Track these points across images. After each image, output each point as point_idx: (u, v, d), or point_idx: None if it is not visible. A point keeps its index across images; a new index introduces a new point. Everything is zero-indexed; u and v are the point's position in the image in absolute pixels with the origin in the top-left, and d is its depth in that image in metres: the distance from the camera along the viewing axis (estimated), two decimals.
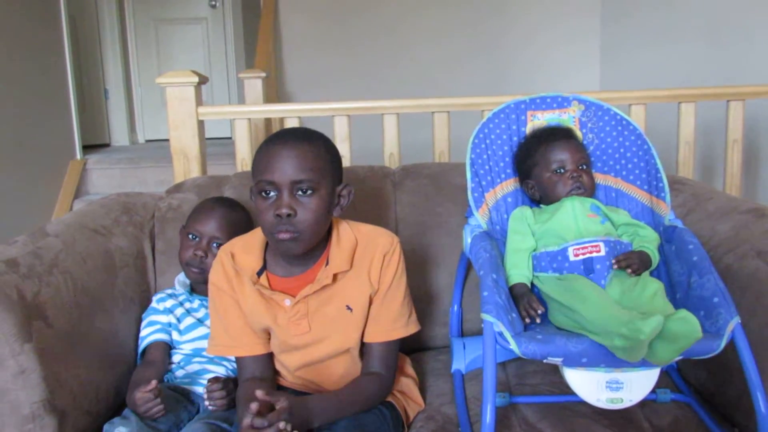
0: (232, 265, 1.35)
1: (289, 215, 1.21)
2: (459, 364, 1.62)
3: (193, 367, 1.52)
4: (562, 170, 1.49)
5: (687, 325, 1.10)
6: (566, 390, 1.31)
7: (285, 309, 1.32)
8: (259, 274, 1.34)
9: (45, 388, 1.22)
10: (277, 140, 1.27)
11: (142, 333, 1.57)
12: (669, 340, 1.10)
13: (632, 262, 1.34)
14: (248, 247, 1.36)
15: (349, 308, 1.34)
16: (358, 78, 4.70)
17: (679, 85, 3.08)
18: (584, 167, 1.51)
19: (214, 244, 1.55)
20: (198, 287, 1.62)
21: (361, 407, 1.31)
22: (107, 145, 5.40)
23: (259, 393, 1.15)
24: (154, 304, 1.60)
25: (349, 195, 1.34)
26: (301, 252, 1.27)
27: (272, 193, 1.23)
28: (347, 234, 1.36)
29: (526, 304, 1.31)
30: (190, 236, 1.59)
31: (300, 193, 1.23)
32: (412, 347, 1.71)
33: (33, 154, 3.78)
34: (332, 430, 1.25)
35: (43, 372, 1.22)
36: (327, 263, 1.33)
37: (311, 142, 1.27)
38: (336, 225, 1.37)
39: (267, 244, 1.36)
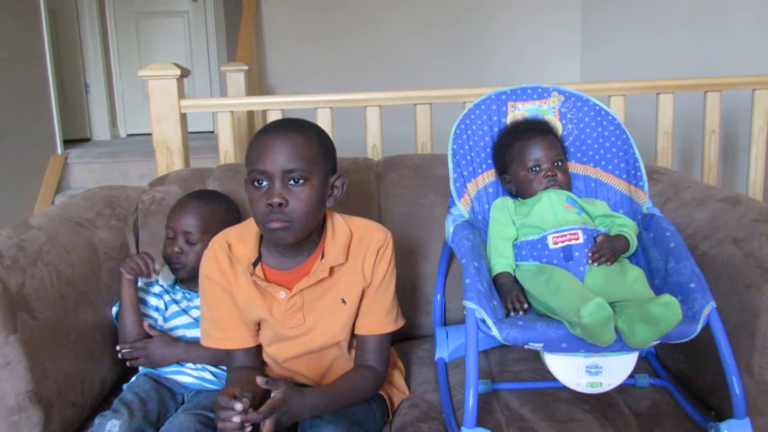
0: (227, 255, 1.34)
1: (280, 204, 1.22)
2: (442, 352, 1.64)
3: None
4: (537, 168, 1.51)
5: (668, 309, 1.13)
6: (548, 376, 1.33)
7: (280, 301, 1.33)
8: (254, 265, 1.34)
9: (30, 380, 1.22)
10: (269, 130, 1.28)
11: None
12: (650, 323, 1.13)
13: (603, 253, 1.36)
14: (243, 238, 1.36)
15: (343, 301, 1.35)
16: (341, 70, 4.71)
17: (659, 75, 3.12)
18: (559, 164, 1.53)
19: (188, 241, 1.55)
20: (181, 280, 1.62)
21: (356, 401, 1.32)
22: (88, 140, 5.36)
23: (259, 380, 1.14)
24: (142, 286, 1.59)
25: (342, 186, 1.34)
26: (292, 241, 1.28)
27: (264, 183, 1.24)
28: (342, 227, 1.37)
29: (514, 297, 1.34)
30: (168, 234, 1.58)
31: (292, 182, 1.24)
32: (396, 337, 1.72)
33: (13, 149, 3.75)
34: (321, 419, 1.26)
35: (29, 363, 1.22)
36: (322, 256, 1.34)
37: (303, 131, 1.28)
38: (330, 218, 1.38)
39: (261, 235, 1.36)
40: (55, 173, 4.13)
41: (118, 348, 1.49)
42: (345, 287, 1.35)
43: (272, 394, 1.15)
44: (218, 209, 1.60)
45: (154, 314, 1.57)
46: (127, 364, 1.50)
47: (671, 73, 3.32)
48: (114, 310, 1.57)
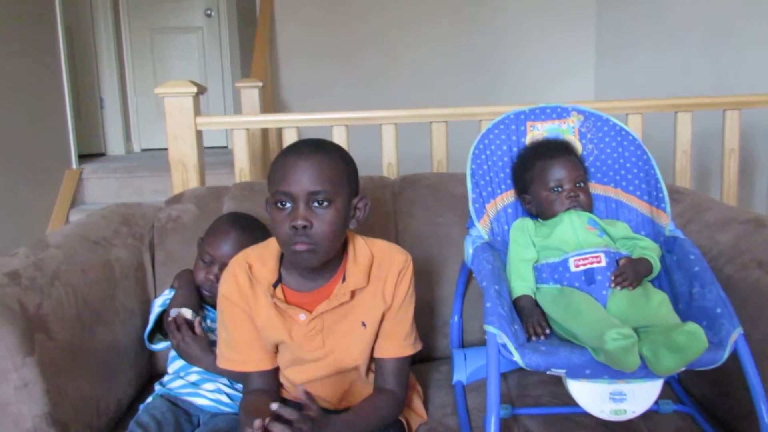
0: (247, 276, 1.32)
1: (305, 227, 1.20)
2: (460, 375, 1.62)
3: (193, 377, 1.51)
4: (560, 189, 1.49)
5: (693, 338, 1.11)
6: (569, 401, 1.30)
7: (300, 324, 1.31)
8: (275, 286, 1.32)
9: (47, 402, 1.21)
10: (293, 151, 1.26)
11: (158, 302, 1.58)
12: (674, 351, 1.11)
13: (626, 277, 1.34)
14: (263, 259, 1.34)
15: (363, 324, 1.33)
16: (354, 87, 4.71)
17: (674, 93, 3.10)
18: (581, 185, 1.51)
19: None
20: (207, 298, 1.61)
21: (378, 427, 1.30)
22: (103, 155, 5.38)
23: (274, 405, 1.06)
24: (159, 304, 1.58)
25: (365, 207, 1.33)
26: (317, 264, 1.26)
27: (288, 205, 1.22)
28: (363, 249, 1.36)
29: (535, 322, 1.32)
30: (204, 258, 1.56)
31: (316, 204, 1.22)
32: (413, 359, 1.70)
33: (29, 164, 3.77)
34: None
35: (46, 385, 1.21)
36: (344, 279, 1.33)
37: (328, 153, 1.26)
38: (351, 240, 1.37)
39: (281, 256, 1.35)
40: (70, 188, 4.14)
41: (172, 316, 1.48)
42: (365, 310, 1.34)
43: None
44: (258, 238, 1.53)
45: None
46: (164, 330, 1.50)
47: (687, 90, 3.30)
48: (158, 301, 1.57)
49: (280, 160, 1.26)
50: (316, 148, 1.26)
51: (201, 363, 1.47)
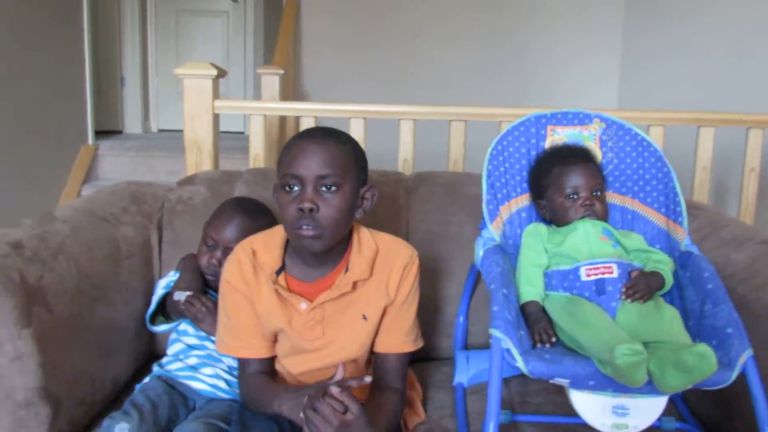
0: (251, 262, 1.32)
1: (311, 210, 1.20)
2: (461, 377, 1.60)
3: (192, 361, 1.49)
4: (576, 196, 1.47)
5: (703, 360, 1.08)
6: (570, 411, 1.28)
7: (300, 312, 1.30)
8: (278, 273, 1.32)
9: (41, 375, 1.20)
10: (304, 136, 1.26)
11: (162, 283, 1.57)
12: (682, 370, 1.08)
13: (638, 289, 1.31)
14: (268, 246, 1.34)
15: (364, 317, 1.32)
16: (376, 81, 4.69)
17: (697, 107, 3.06)
18: (598, 193, 1.48)
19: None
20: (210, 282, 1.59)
21: (389, 427, 1.29)
22: (120, 132, 5.39)
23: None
24: (163, 285, 1.57)
25: (372, 197, 1.33)
26: (321, 249, 1.25)
27: (296, 188, 1.22)
28: (368, 241, 1.34)
29: (541, 329, 1.30)
30: (207, 242, 1.55)
31: (324, 188, 1.22)
32: (414, 357, 1.68)
33: (45, 137, 3.78)
34: None
35: (41, 359, 1.20)
36: (346, 270, 1.32)
37: (338, 139, 1.27)
38: (356, 231, 1.36)
39: (286, 244, 1.34)
40: (85, 163, 4.15)
41: (177, 297, 1.47)
42: (367, 303, 1.32)
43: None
44: (264, 226, 1.51)
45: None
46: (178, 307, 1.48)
47: (710, 105, 3.25)
48: (162, 283, 1.56)
49: (290, 144, 1.26)
50: (327, 134, 1.26)
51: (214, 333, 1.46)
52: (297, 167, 1.21)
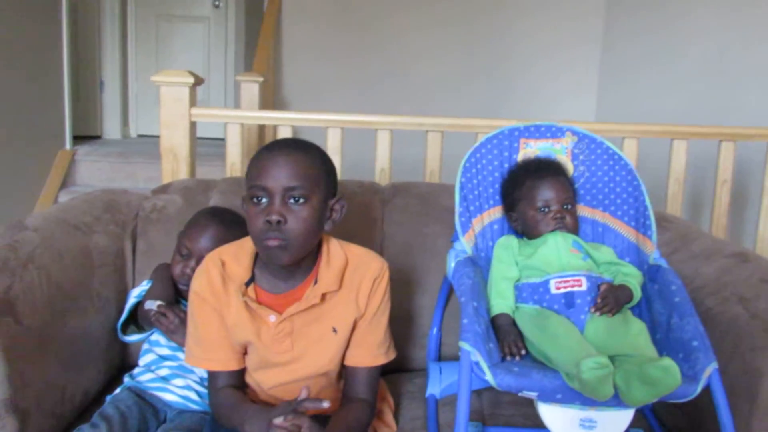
0: (220, 273, 1.31)
1: (279, 222, 1.20)
2: (434, 388, 1.61)
3: (163, 372, 1.49)
4: (547, 209, 1.48)
5: (667, 374, 1.10)
6: (540, 423, 1.29)
7: (269, 325, 1.30)
8: (247, 285, 1.31)
9: (8, 387, 1.19)
10: (272, 148, 1.27)
11: (135, 293, 1.56)
12: (647, 384, 1.10)
13: (607, 303, 1.33)
14: (237, 257, 1.33)
15: (334, 330, 1.32)
16: (355, 90, 4.70)
17: (673, 120, 3.10)
18: (569, 207, 1.50)
19: None
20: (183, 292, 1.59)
21: None
22: (98, 137, 5.35)
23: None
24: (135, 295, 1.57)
25: (341, 209, 1.32)
26: (288, 261, 1.25)
27: (264, 200, 1.22)
28: (337, 253, 1.34)
29: (511, 342, 1.31)
30: (182, 251, 1.54)
31: (292, 201, 1.22)
32: (387, 368, 1.69)
33: (22, 141, 3.74)
34: None
35: (8, 370, 1.19)
36: (315, 282, 1.31)
37: (307, 151, 1.27)
38: (326, 243, 1.35)
39: (256, 256, 1.34)
40: (62, 169, 4.11)
41: (146, 308, 1.46)
42: (337, 316, 1.32)
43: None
44: (239, 235, 1.48)
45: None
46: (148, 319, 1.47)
47: (686, 118, 3.30)
48: (134, 292, 1.55)
49: (258, 156, 1.26)
50: (295, 146, 1.27)
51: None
52: (265, 179, 1.21)
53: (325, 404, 1.14)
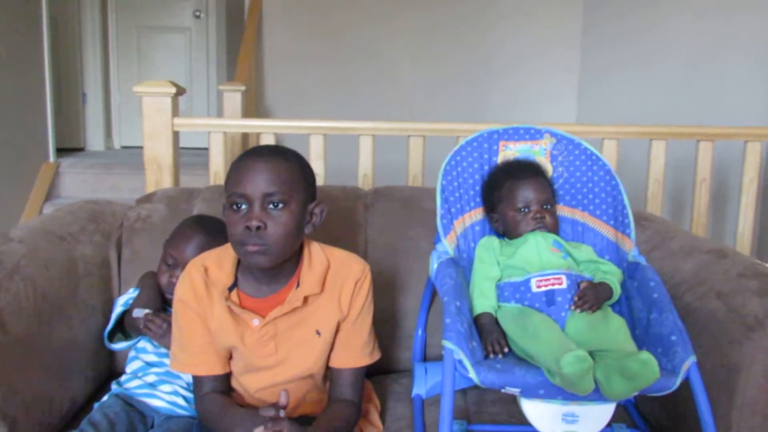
0: (203, 279, 1.33)
1: (258, 228, 1.21)
2: (420, 389, 1.62)
3: (150, 378, 1.49)
4: (527, 209, 1.51)
5: (646, 367, 1.12)
6: (524, 420, 1.31)
7: (253, 329, 1.31)
8: (230, 290, 1.33)
9: None
10: (250, 155, 1.28)
11: (121, 301, 1.57)
12: (626, 377, 1.12)
13: (587, 300, 1.36)
14: (220, 262, 1.35)
15: (318, 333, 1.34)
16: (338, 97, 4.72)
17: (653, 120, 3.14)
18: (548, 207, 1.52)
19: None
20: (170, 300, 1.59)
21: None
22: (82, 149, 5.34)
23: (263, 410, 1.15)
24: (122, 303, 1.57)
25: (321, 213, 1.34)
26: (269, 266, 1.26)
27: (243, 206, 1.23)
28: (319, 256, 1.36)
29: (494, 340, 1.32)
30: (168, 260, 1.55)
31: (271, 206, 1.23)
32: (373, 370, 1.70)
33: (5, 155, 3.72)
34: None
35: None
36: (298, 285, 1.33)
37: (284, 157, 1.28)
38: (308, 246, 1.37)
39: (239, 262, 1.35)
40: (46, 181, 4.10)
41: (135, 314, 1.47)
42: (320, 318, 1.34)
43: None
44: (223, 242, 1.48)
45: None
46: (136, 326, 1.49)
47: (665, 118, 3.35)
48: (120, 300, 1.56)
49: (236, 163, 1.28)
50: (273, 152, 1.29)
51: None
52: (243, 186, 1.23)
53: (281, 413, 1.16)
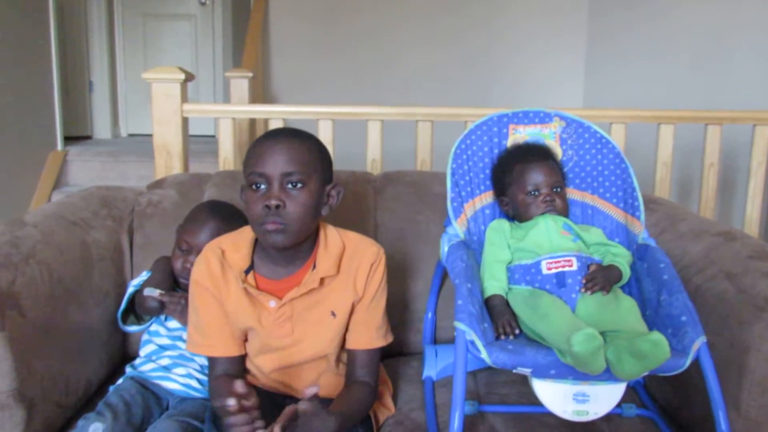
0: (219, 262, 1.34)
1: (278, 206, 1.23)
2: (430, 371, 1.64)
3: (164, 361, 1.51)
4: (537, 193, 1.51)
5: (657, 347, 1.13)
6: (534, 401, 1.32)
7: (269, 310, 1.33)
8: (247, 272, 1.34)
9: (15, 378, 1.22)
10: (269, 136, 1.30)
11: (134, 282, 1.58)
12: (637, 357, 1.13)
13: (596, 282, 1.36)
14: (237, 245, 1.36)
15: (333, 314, 1.35)
16: (345, 82, 4.71)
17: (660, 105, 3.13)
18: (558, 190, 1.53)
19: None
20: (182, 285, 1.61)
21: (359, 419, 1.33)
22: (89, 138, 5.35)
23: (238, 384, 1.11)
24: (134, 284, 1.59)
25: (338, 195, 1.36)
26: (287, 244, 1.28)
27: (263, 186, 1.25)
28: (335, 239, 1.37)
29: (505, 321, 1.33)
30: (182, 246, 1.56)
31: (290, 186, 1.25)
32: (385, 353, 1.72)
33: (13, 143, 3.75)
34: None
35: (14, 361, 1.22)
36: (314, 267, 1.34)
37: (303, 139, 1.30)
38: (323, 229, 1.38)
39: (255, 244, 1.37)
40: (54, 170, 4.12)
41: (147, 293, 1.48)
42: (335, 300, 1.35)
43: (297, 405, 1.12)
44: (236, 228, 1.49)
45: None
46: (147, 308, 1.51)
47: (672, 103, 3.33)
48: (133, 282, 1.58)
49: (256, 144, 1.29)
50: (291, 133, 1.30)
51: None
52: (263, 166, 1.24)
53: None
